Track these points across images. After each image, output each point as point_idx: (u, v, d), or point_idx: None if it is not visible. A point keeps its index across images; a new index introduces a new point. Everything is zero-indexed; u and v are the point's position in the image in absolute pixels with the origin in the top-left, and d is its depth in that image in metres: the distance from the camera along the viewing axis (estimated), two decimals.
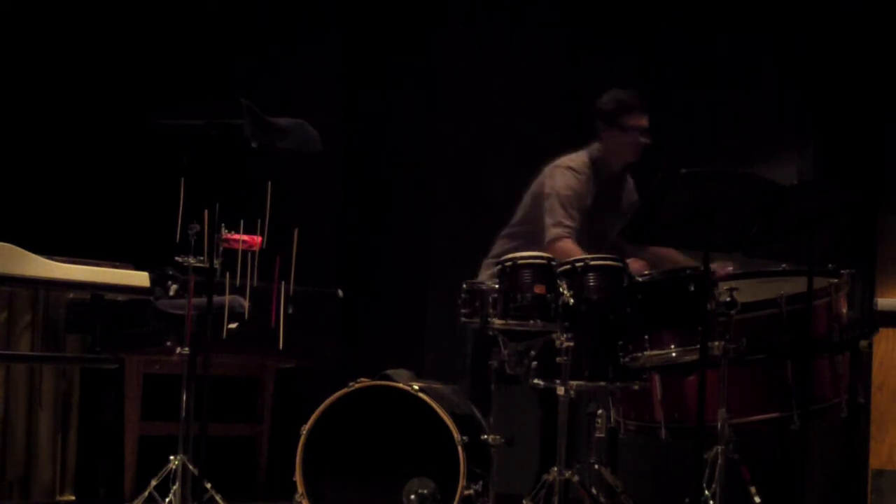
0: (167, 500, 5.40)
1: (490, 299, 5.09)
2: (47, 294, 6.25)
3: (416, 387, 5.25)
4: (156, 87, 7.28)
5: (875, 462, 6.06)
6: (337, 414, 5.32)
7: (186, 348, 5.50)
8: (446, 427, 5.16)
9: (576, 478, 5.05)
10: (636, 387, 5.14)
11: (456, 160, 7.35)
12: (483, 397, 5.46)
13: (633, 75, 6.60)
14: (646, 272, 5.17)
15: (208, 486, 5.44)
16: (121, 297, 6.23)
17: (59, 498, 6.35)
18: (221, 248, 5.35)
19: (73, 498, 6.42)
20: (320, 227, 7.29)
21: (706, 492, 4.81)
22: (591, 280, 5.06)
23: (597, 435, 5.25)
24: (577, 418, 5.27)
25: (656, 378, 5.14)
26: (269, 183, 5.35)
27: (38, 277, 5.82)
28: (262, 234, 5.45)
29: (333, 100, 7.62)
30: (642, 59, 6.74)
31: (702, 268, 4.74)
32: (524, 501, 5.05)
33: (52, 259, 5.91)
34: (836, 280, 5.14)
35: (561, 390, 5.00)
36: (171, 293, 5.92)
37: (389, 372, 5.41)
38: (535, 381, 5.14)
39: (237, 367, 6.73)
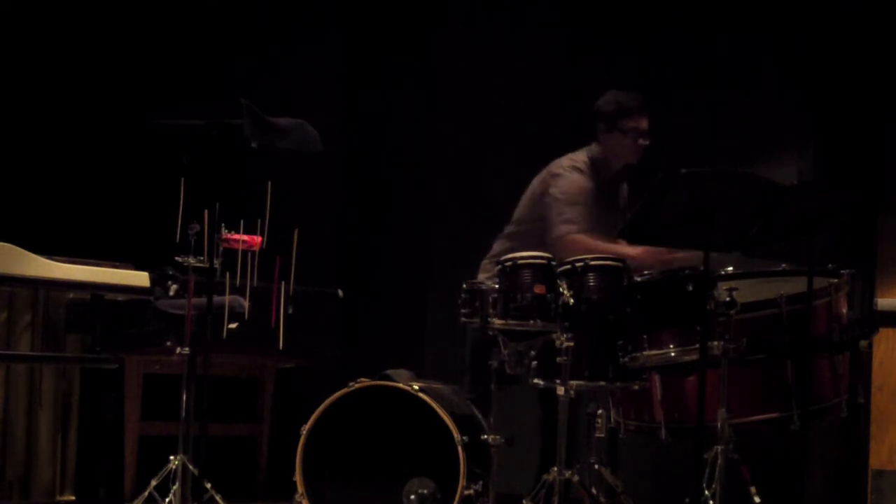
0: (167, 500, 5.40)
1: (490, 299, 5.09)
2: (47, 294, 6.25)
3: (416, 387, 5.25)
4: (156, 87, 7.28)
5: (875, 462, 6.06)
6: (337, 414, 5.32)
7: (186, 348, 5.50)
8: (446, 427, 5.16)
9: (576, 478, 5.05)
10: (636, 387, 5.14)
11: (456, 160, 7.35)
12: (482, 397, 5.46)
13: (633, 75, 6.60)
14: (645, 272, 5.17)
15: (208, 486, 5.44)
16: (121, 297, 6.23)
17: (59, 498, 6.35)
18: (221, 248, 5.35)
19: (73, 498, 6.42)
20: (320, 227, 7.29)
21: (706, 492, 4.81)
22: (591, 280, 5.06)
23: (597, 435, 5.25)
24: (577, 418, 5.27)
25: (656, 378, 5.14)
26: (269, 183, 5.35)
27: (38, 277, 5.82)
28: (262, 234, 5.45)
29: (333, 100, 7.62)
30: (642, 58, 6.74)
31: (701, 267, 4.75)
32: (524, 501, 5.05)
33: (52, 259, 5.91)
34: (836, 280, 5.14)
35: (561, 390, 4.99)
36: (171, 293, 5.92)
37: (389, 372, 5.41)
38: (535, 381, 5.14)
39: (237, 367, 6.73)
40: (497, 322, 5.07)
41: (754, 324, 5.01)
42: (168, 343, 6.07)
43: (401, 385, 5.28)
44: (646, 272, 5.16)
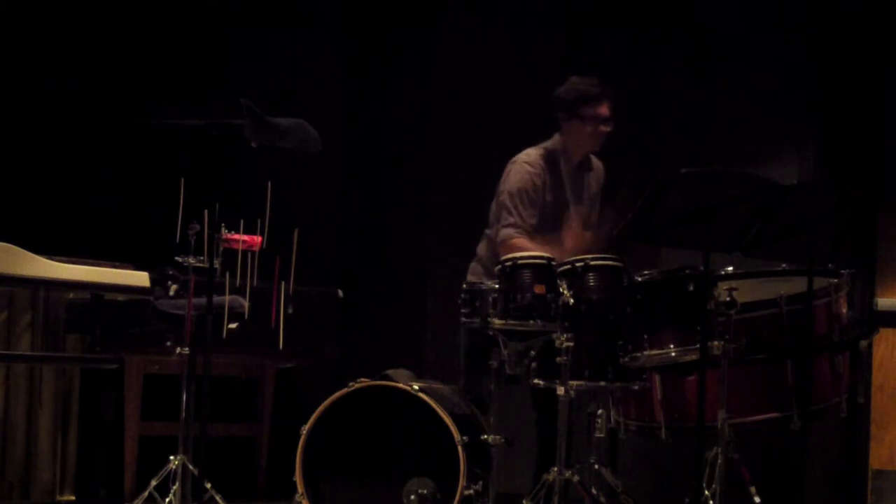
0: (167, 500, 5.40)
1: (490, 299, 5.09)
2: (47, 294, 6.26)
3: (416, 387, 5.24)
4: (156, 87, 7.28)
5: (875, 462, 6.06)
6: (337, 414, 5.32)
7: (186, 348, 5.50)
8: (446, 427, 5.16)
9: (576, 478, 5.05)
10: (636, 387, 5.14)
11: (456, 160, 7.35)
12: (479, 397, 5.46)
13: (632, 74, 6.61)
14: (645, 272, 5.17)
15: (208, 486, 5.44)
16: (121, 297, 6.22)
17: (59, 498, 6.35)
18: (221, 248, 5.35)
19: (73, 498, 6.42)
20: (320, 227, 7.29)
21: (706, 492, 4.81)
22: (591, 280, 5.06)
23: (597, 435, 5.24)
24: (576, 418, 5.27)
25: (656, 378, 5.14)
26: (269, 183, 5.35)
27: (38, 277, 5.81)
28: (262, 234, 5.45)
29: (333, 100, 7.62)
30: (642, 58, 6.73)
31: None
32: (524, 501, 5.05)
33: (52, 259, 5.90)
34: (836, 280, 5.14)
35: (561, 390, 5.00)
36: (171, 293, 5.92)
37: (389, 372, 5.41)
38: (535, 381, 5.14)
39: (237, 367, 6.73)
40: (497, 322, 5.07)
41: (754, 324, 5.01)
42: (168, 343, 6.07)
43: (401, 385, 5.28)
44: (645, 272, 5.15)
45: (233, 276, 5.52)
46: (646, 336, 5.01)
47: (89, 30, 7.33)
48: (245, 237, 5.42)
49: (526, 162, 5.67)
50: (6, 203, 6.81)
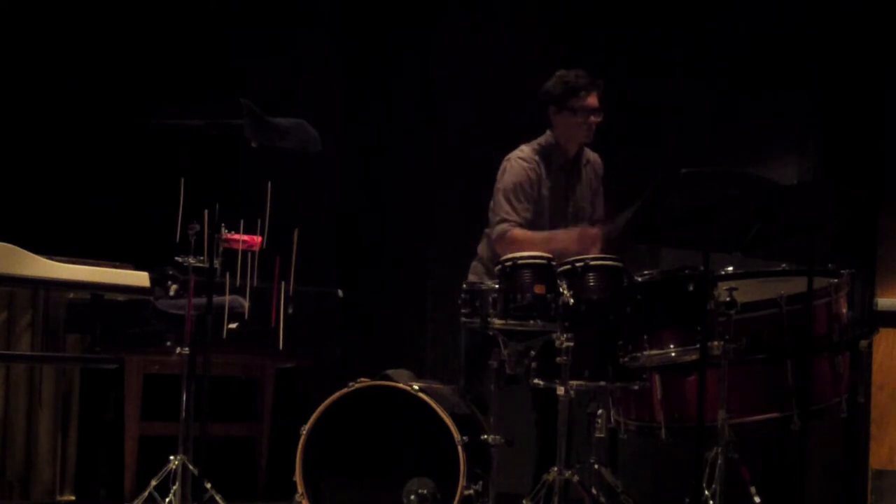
0: (167, 500, 5.40)
1: (490, 299, 5.09)
2: (47, 294, 6.26)
3: (416, 387, 5.24)
4: (156, 87, 7.28)
5: (875, 462, 6.06)
6: (337, 414, 5.32)
7: (186, 348, 5.49)
8: (446, 427, 5.16)
9: (576, 478, 5.05)
10: (636, 387, 5.14)
11: (456, 160, 7.35)
12: (479, 397, 5.46)
13: (632, 74, 6.61)
14: (645, 272, 5.17)
15: (208, 486, 5.44)
16: (121, 297, 6.22)
17: (59, 498, 6.35)
18: (221, 248, 5.35)
19: (73, 498, 6.42)
20: (320, 227, 7.29)
21: (706, 492, 4.81)
22: (591, 280, 5.06)
23: (597, 435, 5.24)
24: (576, 418, 5.27)
25: (656, 378, 5.14)
26: (269, 183, 5.35)
27: (38, 277, 5.81)
28: (262, 234, 5.45)
29: (334, 99, 7.62)
30: (642, 58, 6.73)
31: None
32: (524, 501, 5.05)
33: (52, 259, 5.91)
34: (836, 280, 5.14)
35: (561, 390, 4.99)
36: (171, 293, 5.92)
37: (389, 372, 5.41)
38: (535, 381, 5.14)
39: (237, 367, 6.73)
40: (497, 322, 5.07)
41: (754, 324, 5.01)
42: (168, 343, 6.07)
43: (401, 385, 5.28)
44: (645, 272, 5.15)
45: (233, 276, 5.52)
46: (646, 336, 5.01)
47: (89, 30, 7.33)
48: (245, 237, 5.42)
49: (520, 157, 5.67)
50: (6, 203, 6.81)
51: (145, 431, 6.37)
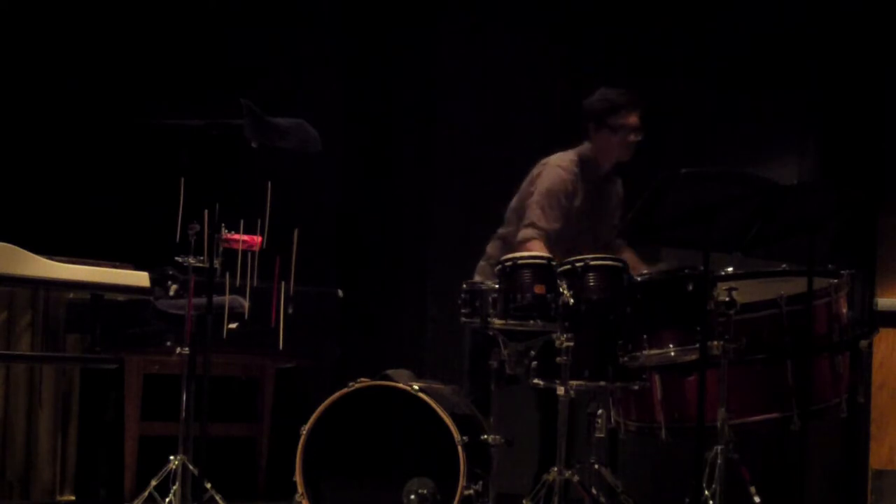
0: (167, 500, 5.40)
1: (490, 299, 5.09)
2: (47, 294, 6.26)
3: (416, 387, 5.24)
4: (156, 87, 7.28)
5: (875, 462, 6.06)
6: (337, 414, 5.32)
7: (186, 348, 5.49)
8: (446, 427, 5.16)
9: (576, 478, 5.05)
10: (636, 387, 5.14)
11: (456, 160, 7.35)
12: (482, 398, 5.46)
13: (632, 74, 6.60)
14: (645, 272, 5.17)
15: (208, 486, 5.43)
16: (121, 297, 6.22)
17: (59, 498, 6.35)
18: (221, 248, 5.35)
19: (73, 498, 6.42)
20: (320, 227, 7.29)
21: (706, 492, 4.81)
22: (591, 280, 5.06)
23: (597, 435, 5.24)
24: (577, 418, 5.27)
25: (656, 378, 5.14)
26: (269, 183, 5.35)
27: (38, 277, 5.82)
28: (262, 234, 5.45)
29: (334, 99, 7.62)
30: (642, 57, 6.73)
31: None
32: (524, 501, 5.05)
33: (52, 259, 5.91)
34: (836, 280, 5.14)
35: (561, 390, 4.99)
36: (171, 293, 5.92)
37: (389, 372, 5.41)
38: (535, 381, 5.14)
39: (237, 367, 6.73)
40: (497, 322, 5.07)
41: (754, 324, 5.01)
42: (168, 343, 6.07)
43: (401, 385, 5.28)
44: (645, 272, 5.16)
45: (233, 276, 5.52)
46: (646, 336, 5.01)
47: (89, 30, 7.33)
48: (245, 237, 5.42)
49: (559, 165, 5.67)
50: (6, 203, 6.81)
51: (145, 431, 6.37)
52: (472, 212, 7.11)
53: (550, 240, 5.54)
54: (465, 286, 5.20)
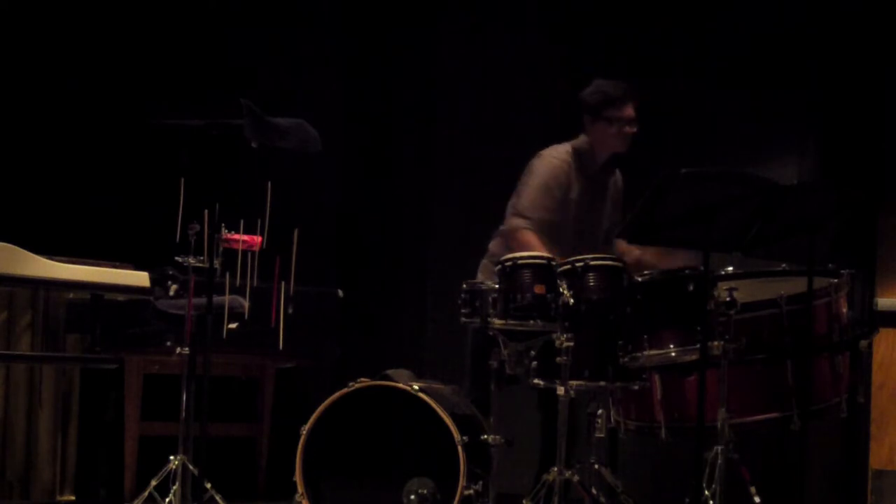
0: (167, 500, 5.40)
1: (490, 299, 5.09)
2: (47, 294, 6.26)
3: (416, 387, 5.24)
4: (156, 87, 7.28)
5: (875, 462, 6.06)
6: (337, 414, 5.32)
7: (186, 348, 5.49)
8: (446, 427, 5.16)
9: (576, 478, 5.05)
10: (636, 387, 5.14)
11: (456, 160, 7.35)
12: (483, 398, 5.46)
13: (632, 73, 6.60)
14: (645, 272, 5.17)
15: (208, 486, 5.44)
16: (121, 297, 6.22)
17: (59, 498, 6.35)
18: (221, 248, 5.35)
19: (73, 498, 6.42)
20: (320, 227, 7.29)
21: (706, 492, 4.81)
22: (591, 280, 5.06)
23: (597, 435, 5.24)
24: (577, 418, 5.27)
25: (656, 378, 5.14)
26: (269, 183, 5.35)
27: (38, 277, 5.82)
28: (262, 234, 5.45)
29: (334, 99, 7.62)
30: (642, 57, 6.73)
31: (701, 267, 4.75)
32: (524, 501, 5.05)
33: (52, 259, 5.91)
34: (836, 280, 5.14)
35: (561, 390, 5.00)
36: (171, 293, 5.92)
37: (389, 372, 5.41)
38: (535, 381, 5.14)
39: (237, 367, 6.73)
40: (497, 322, 5.07)
41: (754, 324, 5.01)
42: (168, 343, 6.07)
43: (401, 385, 5.28)
44: (645, 272, 5.16)
45: (233, 276, 5.52)
46: (646, 336, 5.01)
47: (89, 30, 7.33)
48: (245, 237, 5.42)
49: (554, 156, 5.70)
50: (6, 203, 6.82)
51: (145, 431, 6.37)
52: (472, 212, 7.11)
53: (544, 232, 5.54)
54: (465, 286, 5.20)
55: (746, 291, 4.95)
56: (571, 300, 5.00)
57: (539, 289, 5.03)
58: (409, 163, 7.57)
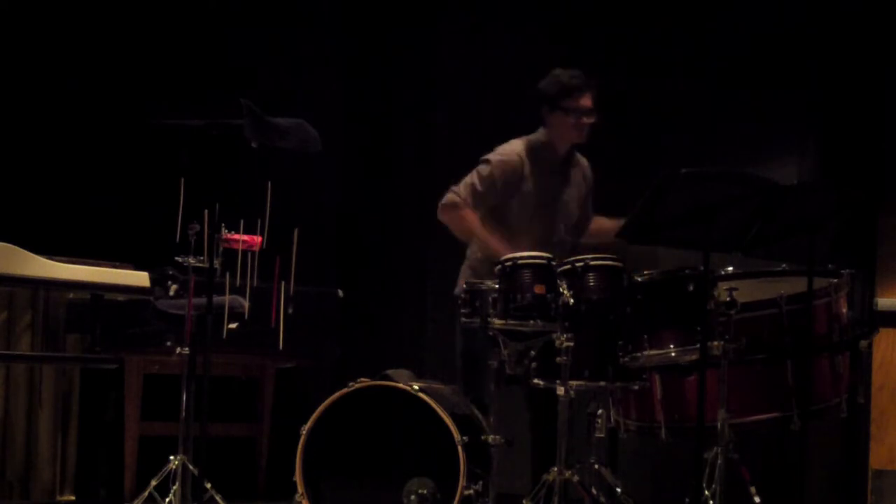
0: (167, 500, 5.40)
1: (490, 299, 5.09)
2: (47, 294, 6.26)
3: (416, 387, 5.24)
4: (156, 86, 7.28)
5: (875, 462, 6.06)
6: (337, 414, 5.32)
7: (186, 348, 5.50)
8: (446, 427, 5.16)
9: (576, 478, 5.04)
10: (636, 387, 5.14)
11: (456, 159, 7.33)
12: (476, 398, 5.46)
13: (632, 73, 6.60)
14: (645, 272, 5.17)
15: (208, 486, 5.44)
16: (121, 297, 6.23)
17: (59, 498, 6.35)
18: (221, 248, 5.35)
19: (73, 498, 6.42)
20: (320, 227, 7.29)
21: (706, 492, 4.81)
22: (591, 280, 5.06)
23: (597, 435, 5.24)
24: (577, 418, 5.27)
25: (656, 378, 5.14)
26: (269, 183, 5.35)
27: (38, 277, 5.82)
28: (262, 234, 5.45)
29: (334, 99, 7.62)
30: (642, 57, 6.73)
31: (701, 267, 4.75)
32: (524, 501, 5.05)
33: (52, 259, 5.91)
34: (836, 280, 5.14)
35: (561, 390, 4.99)
36: (171, 293, 5.92)
37: (389, 372, 5.41)
38: (536, 381, 5.14)
39: (237, 367, 6.73)
40: (497, 322, 5.07)
41: (754, 324, 5.01)
42: (168, 343, 6.07)
43: (401, 385, 5.28)
44: (645, 272, 5.15)
45: (233, 276, 5.52)
46: (646, 336, 5.01)
47: (90, 30, 7.34)
48: (245, 237, 5.42)
49: (505, 152, 5.71)
50: (6, 203, 6.82)
51: (145, 431, 6.38)
52: None
53: (496, 218, 5.58)
54: (464, 286, 5.20)
55: (746, 291, 4.95)
56: (571, 300, 5.00)
57: (539, 289, 5.03)
58: (409, 163, 7.57)
